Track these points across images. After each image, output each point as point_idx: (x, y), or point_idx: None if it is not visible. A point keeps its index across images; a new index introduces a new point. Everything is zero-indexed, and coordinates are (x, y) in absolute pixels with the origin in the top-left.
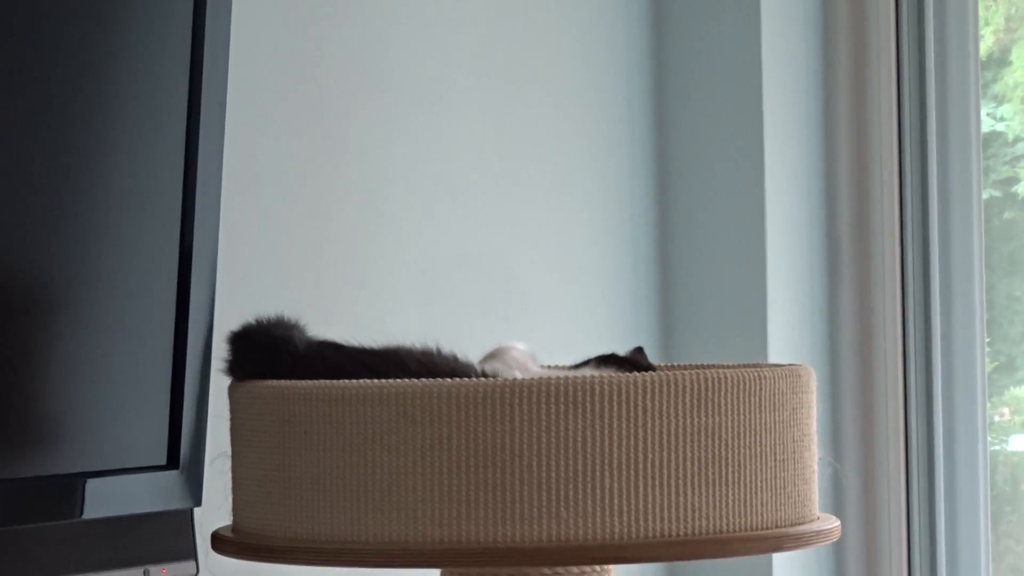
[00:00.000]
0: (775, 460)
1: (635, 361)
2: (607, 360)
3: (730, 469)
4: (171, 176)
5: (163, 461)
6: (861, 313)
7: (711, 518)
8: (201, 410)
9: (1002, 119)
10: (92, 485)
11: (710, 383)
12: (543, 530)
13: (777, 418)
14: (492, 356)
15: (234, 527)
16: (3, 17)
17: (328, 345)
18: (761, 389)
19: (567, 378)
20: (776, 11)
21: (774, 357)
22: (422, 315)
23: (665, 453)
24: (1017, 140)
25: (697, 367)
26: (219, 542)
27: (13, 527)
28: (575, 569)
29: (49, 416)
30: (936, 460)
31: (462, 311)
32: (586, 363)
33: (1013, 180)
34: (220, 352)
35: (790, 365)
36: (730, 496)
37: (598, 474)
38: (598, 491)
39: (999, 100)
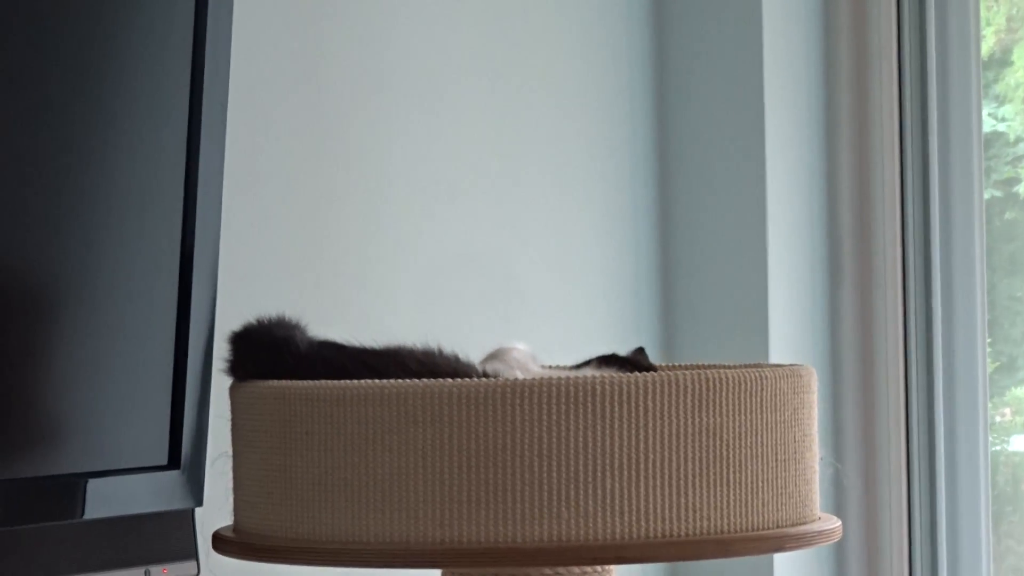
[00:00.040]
0: (776, 460)
1: (636, 361)
2: (608, 360)
3: (731, 469)
4: (172, 176)
5: (164, 461)
6: (862, 313)
7: (712, 518)
8: (202, 410)
9: (1003, 119)
10: (93, 485)
11: (711, 383)
12: (544, 530)
13: (778, 418)
14: (493, 356)
15: (235, 527)
16: (4, 17)
17: (329, 345)
18: (762, 389)
19: (568, 378)
20: (777, 11)
21: (775, 357)
22: (423, 315)
23: (666, 453)
24: (1018, 140)
25: (698, 367)
26: (220, 542)
27: (14, 527)
28: (576, 569)
29: (50, 416)
30: (937, 460)
31: (463, 311)
32: (587, 363)
33: (1014, 180)
34: (221, 352)
35: (791, 365)
36: (731, 496)
37: (599, 474)
38: (599, 491)
39: (1000, 100)
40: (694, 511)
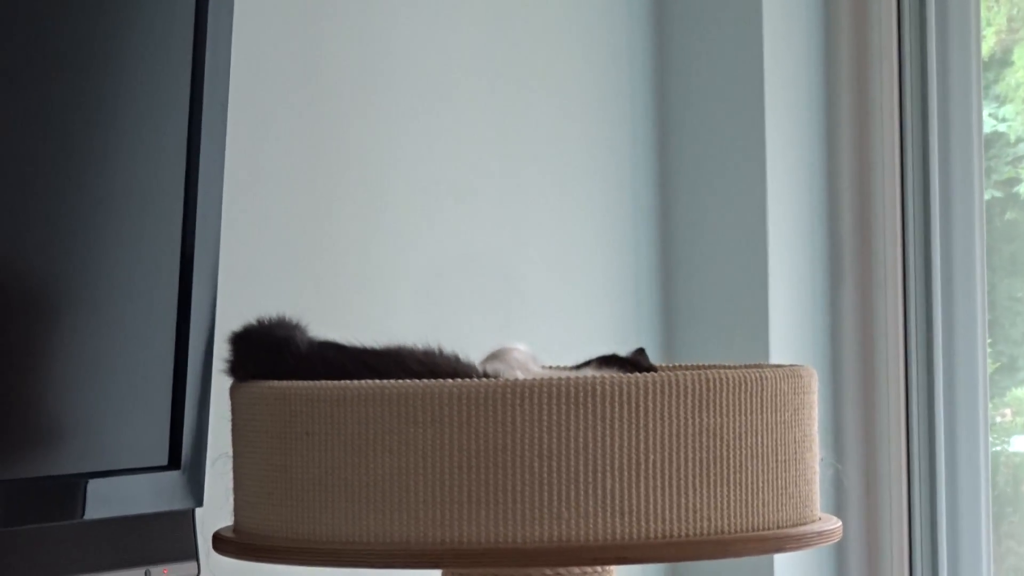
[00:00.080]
0: (777, 461)
1: (636, 362)
2: (608, 361)
3: (731, 470)
4: (173, 177)
5: (164, 462)
6: (863, 314)
7: (712, 519)
8: (203, 411)
9: (1004, 119)
10: (94, 486)
11: (712, 384)
12: (544, 531)
13: (779, 419)
14: (494, 357)
15: (235, 527)
16: (4, 17)
17: (330, 345)
18: (763, 390)
19: (568, 379)
20: (778, 11)
21: (776, 358)
22: (424, 315)
23: (667, 454)
24: (1019, 141)
25: (699, 368)
26: (220, 542)
27: (15, 528)
28: (576, 570)
29: (51, 417)
30: (937, 461)
31: (464, 312)
32: (587, 364)
33: (1015, 181)
34: (222, 352)
35: (792, 366)
36: (732, 497)
37: (600, 475)
38: (600, 492)
39: (1001, 100)
40: (694, 512)
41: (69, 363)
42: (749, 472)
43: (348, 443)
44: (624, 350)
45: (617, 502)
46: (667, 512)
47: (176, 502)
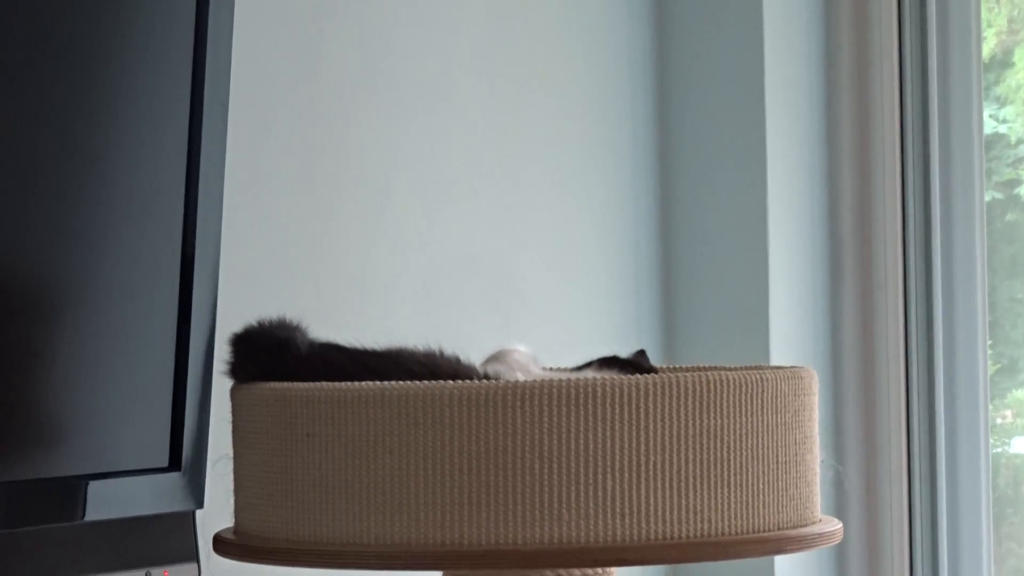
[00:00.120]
0: (777, 462)
1: (637, 363)
2: (609, 362)
3: (732, 471)
4: (173, 177)
5: (165, 463)
6: (863, 315)
7: (713, 520)
8: (203, 412)
9: (1004, 121)
10: (94, 487)
11: (712, 385)
12: (545, 532)
13: (779, 420)
14: (494, 358)
15: (236, 529)
16: (4, 17)
17: (330, 347)
18: (763, 391)
19: (569, 380)
20: (778, 12)
21: (776, 359)
22: (424, 317)
23: (667, 455)
24: (1019, 142)
25: (699, 369)
26: (221, 544)
27: (15, 529)
28: (577, 571)
29: (51, 418)
30: (938, 462)
31: (464, 313)
32: (588, 365)
33: (1015, 182)
34: (222, 354)
35: (792, 367)
36: (732, 498)
37: (600, 476)
38: (600, 493)
39: (1001, 102)
40: (695, 513)
41: (70, 364)
42: (749, 474)
43: (349, 445)
44: (624, 351)
45: (617, 504)
46: (667, 514)
47: (177, 504)
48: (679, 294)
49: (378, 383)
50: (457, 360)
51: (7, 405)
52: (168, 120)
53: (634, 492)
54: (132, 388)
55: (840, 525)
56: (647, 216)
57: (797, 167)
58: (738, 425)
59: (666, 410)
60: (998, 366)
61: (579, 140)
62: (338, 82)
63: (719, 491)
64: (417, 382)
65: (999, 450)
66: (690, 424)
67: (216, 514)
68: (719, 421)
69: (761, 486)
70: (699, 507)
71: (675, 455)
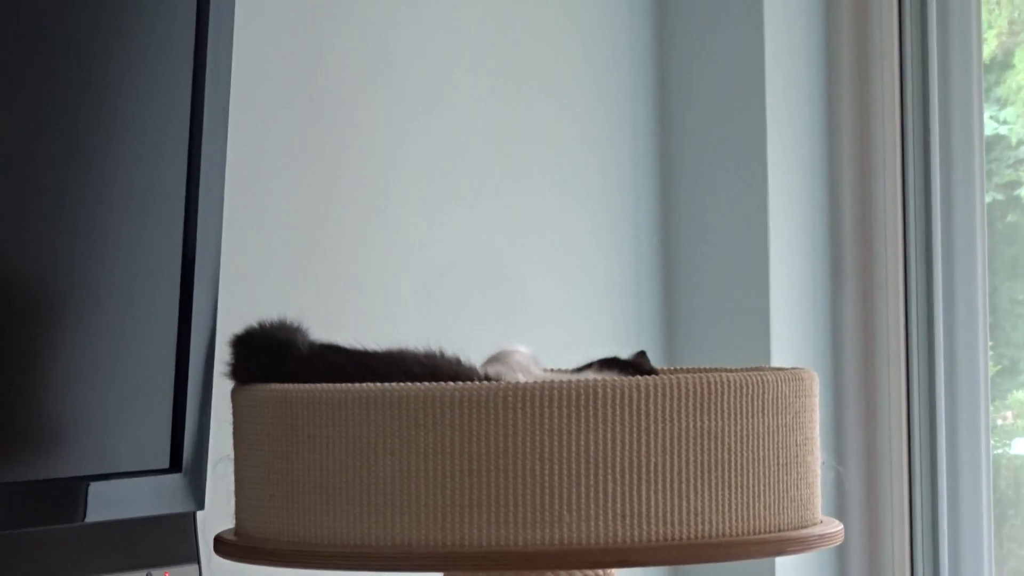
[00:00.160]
0: (778, 464)
1: (637, 364)
2: (609, 363)
3: (733, 473)
4: (174, 179)
5: (166, 464)
6: (864, 316)
7: (714, 522)
8: (204, 413)
9: (1005, 122)
10: (95, 488)
11: (713, 387)
12: (546, 534)
13: (780, 422)
14: (495, 359)
15: (237, 530)
16: (5, 17)
17: (331, 348)
18: (764, 393)
19: (570, 382)
20: (779, 12)
21: (777, 360)
22: (425, 318)
23: (668, 457)
24: (1020, 143)
25: (700, 371)
26: (222, 545)
27: (16, 530)
28: (578, 573)
29: (52, 419)
30: (939, 464)
31: (465, 314)
32: (588, 366)
33: (1016, 183)
34: (223, 355)
35: (793, 369)
36: (733, 500)
37: (601, 478)
38: (601, 495)
39: (1002, 103)
40: (695, 515)
41: (70, 365)
42: (750, 475)
43: (349, 446)
44: (625, 352)
45: (618, 505)
46: (668, 515)
47: (177, 505)
48: (680, 295)
49: (379, 384)
50: (458, 361)
51: (8, 406)
52: (169, 121)
53: (635, 493)
54: (133, 389)
55: (841, 526)
56: (647, 217)
57: (798, 168)
58: (739, 426)
59: (667, 411)
60: (999, 367)
61: (579, 140)
62: (338, 82)
63: (720, 492)
64: (418, 383)
65: (1000, 451)
66: (691, 425)
67: (217, 515)
68: (720, 422)
69: (762, 487)
70: (700, 508)
71: (676, 456)
